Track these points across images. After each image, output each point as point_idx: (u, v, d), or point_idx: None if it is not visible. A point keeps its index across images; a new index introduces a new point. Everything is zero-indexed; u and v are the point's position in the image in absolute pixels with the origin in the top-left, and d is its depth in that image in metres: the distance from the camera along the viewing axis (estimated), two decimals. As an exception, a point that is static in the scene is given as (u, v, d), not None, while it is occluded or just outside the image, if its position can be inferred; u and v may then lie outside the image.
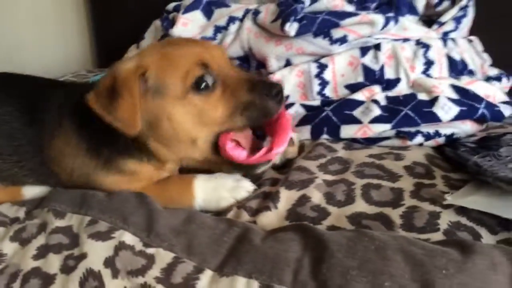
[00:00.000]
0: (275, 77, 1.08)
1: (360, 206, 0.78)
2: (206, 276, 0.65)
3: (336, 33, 1.04)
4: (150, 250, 0.69)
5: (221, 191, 0.85)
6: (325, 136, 1.01)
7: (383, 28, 1.03)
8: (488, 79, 1.16)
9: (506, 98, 1.07)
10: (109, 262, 0.68)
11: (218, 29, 1.18)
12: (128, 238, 0.72)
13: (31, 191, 0.98)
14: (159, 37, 1.32)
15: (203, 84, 0.81)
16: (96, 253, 0.70)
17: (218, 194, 0.85)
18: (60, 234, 0.76)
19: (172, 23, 1.25)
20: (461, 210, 0.74)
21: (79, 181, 0.91)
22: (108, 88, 0.80)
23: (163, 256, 0.68)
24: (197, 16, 1.20)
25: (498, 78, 1.16)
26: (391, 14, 1.10)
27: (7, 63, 1.95)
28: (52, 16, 2.14)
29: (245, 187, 0.86)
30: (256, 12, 1.14)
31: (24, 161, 0.94)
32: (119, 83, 0.79)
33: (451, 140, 0.98)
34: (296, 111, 1.07)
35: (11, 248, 0.77)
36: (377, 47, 1.05)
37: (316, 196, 0.82)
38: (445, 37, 1.12)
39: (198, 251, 0.69)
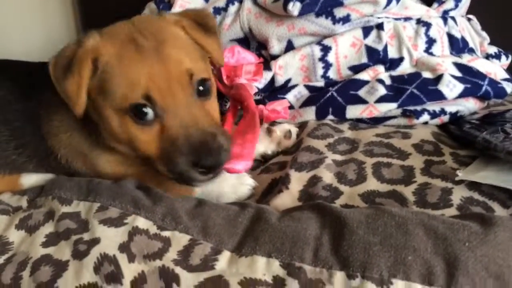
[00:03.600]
0: (278, 63, 1.06)
1: (372, 184, 0.78)
2: (225, 257, 0.64)
3: (339, 12, 1.03)
4: (165, 233, 0.68)
5: (223, 186, 0.82)
6: (330, 116, 1.00)
7: (385, 7, 1.02)
8: (488, 57, 1.16)
9: (506, 75, 1.08)
10: (124, 247, 0.66)
11: (217, 11, 1.15)
12: (141, 222, 0.70)
13: (30, 180, 0.95)
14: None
15: (140, 114, 0.73)
16: (110, 238, 0.68)
17: (219, 189, 0.82)
18: (67, 220, 0.74)
19: (169, 5, 1.22)
20: (473, 186, 0.75)
21: (77, 164, 0.89)
22: (66, 59, 0.76)
23: (179, 239, 0.67)
24: (195, -3, 1.17)
25: (497, 56, 1.17)
26: (391, -7, 1.09)
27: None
28: (35, 6, 2.06)
29: (248, 184, 0.83)
30: (256, -8, 1.11)
31: (22, 146, 0.90)
32: (74, 59, 0.75)
33: (455, 118, 0.98)
34: (299, 92, 1.06)
35: (18, 236, 0.75)
36: (379, 26, 1.04)
37: (327, 176, 0.81)
38: (445, 15, 1.12)
39: (214, 232, 0.68)
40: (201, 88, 0.76)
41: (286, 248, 0.63)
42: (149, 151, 0.75)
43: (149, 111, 0.73)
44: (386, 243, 0.59)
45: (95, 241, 0.68)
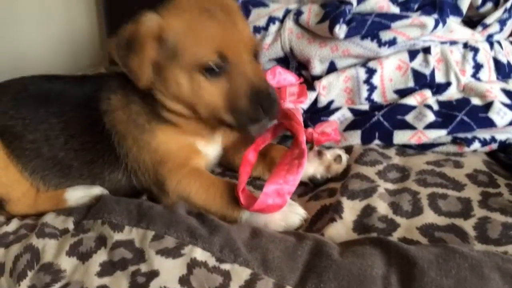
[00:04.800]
0: (322, 83, 1.05)
1: (429, 217, 0.77)
2: (288, 293, 0.63)
3: (385, 35, 1.02)
4: (225, 266, 0.67)
5: (274, 212, 0.80)
6: (376, 141, 0.98)
7: (432, 30, 1.01)
8: (531, 82, 1.14)
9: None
10: (184, 281, 0.65)
11: (257, 30, 1.14)
12: (199, 253, 0.69)
13: (74, 195, 0.95)
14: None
15: (212, 71, 0.84)
16: (168, 271, 0.67)
17: (269, 214, 0.80)
18: (121, 248, 0.73)
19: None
20: (533, 221, 0.73)
21: (127, 143, 0.92)
22: (127, 39, 0.86)
23: (240, 272, 0.66)
24: (234, 15, 1.16)
25: (540, 81, 1.15)
26: (435, 16, 1.08)
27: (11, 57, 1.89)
28: (59, 6, 2.05)
29: (299, 213, 0.81)
30: (298, 13, 1.10)
31: (72, 138, 0.95)
32: (136, 39, 0.85)
33: (504, 145, 0.97)
34: (343, 115, 1.04)
35: (70, 263, 0.74)
36: (426, 50, 1.03)
37: (382, 206, 0.80)
38: (489, 39, 1.10)
39: (274, 266, 0.66)
40: (258, 51, 0.90)
41: (353, 287, 0.61)
42: (215, 101, 0.86)
43: (220, 67, 0.83)
44: (460, 287, 0.58)
45: (154, 274, 0.67)
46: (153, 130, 0.92)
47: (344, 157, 0.92)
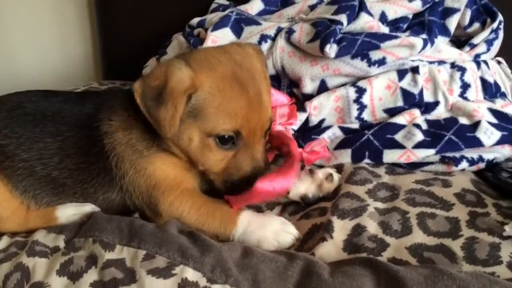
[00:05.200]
0: (313, 103, 1.07)
1: (418, 237, 0.78)
2: (279, 315, 0.63)
3: (375, 55, 1.04)
4: (216, 287, 0.67)
5: (266, 231, 0.82)
6: (366, 160, 1.00)
7: (421, 50, 1.03)
8: (517, 101, 1.17)
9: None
10: (175, 301, 0.65)
11: (250, 48, 1.15)
12: (190, 274, 0.69)
13: (66, 213, 0.94)
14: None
15: (225, 142, 0.86)
16: (160, 291, 0.67)
17: (262, 232, 0.82)
18: (112, 268, 0.73)
19: (199, 39, 1.22)
20: (520, 241, 0.75)
21: (125, 166, 0.92)
22: (155, 89, 0.83)
23: (231, 293, 0.66)
24: (226, 33, 1.18)
25: (526, 100, 1.18)
26: (424, 36, 1.10)
27: (4, 73, 1.89)
28: (52, 24, 2.06)
29: (291, 233, 0.82)
30: (289, 31, 1.12)
31: (67, 158, 0.93)
32: (167, 92, 0.82)
33: (491, 164, 0.98)
34: (333, 133, 1.06)
35: (60, 283, 0.74)
36: (414, 70, 1.05)
37: (371, 226, 0.81)
38: (476, 59, 1.13)
39: (265, 286, 0.67)
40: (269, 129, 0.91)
41: (343, 308, 0.62)
42: (214, 166, 0.88)
43: (232, 141, 0.86)
44: (448, 308, 0.59)
45: (145, 294, 0.67)
46: (151, 156, 0.91)
47: (336, 176, 0.93)
